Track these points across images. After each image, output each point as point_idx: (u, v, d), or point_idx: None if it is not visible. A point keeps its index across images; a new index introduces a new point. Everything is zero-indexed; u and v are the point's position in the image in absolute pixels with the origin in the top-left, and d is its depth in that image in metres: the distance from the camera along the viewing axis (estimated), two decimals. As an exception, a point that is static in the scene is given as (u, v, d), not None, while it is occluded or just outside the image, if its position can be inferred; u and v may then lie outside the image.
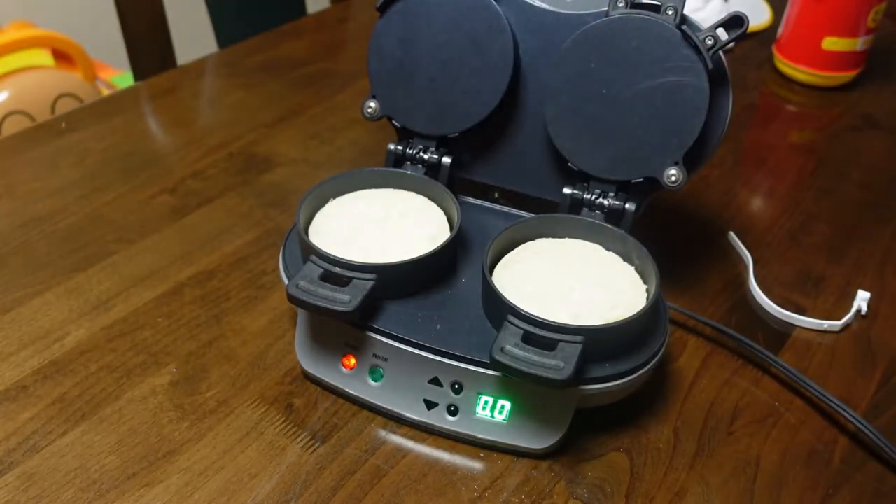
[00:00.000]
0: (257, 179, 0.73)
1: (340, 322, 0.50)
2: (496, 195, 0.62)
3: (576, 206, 0.56)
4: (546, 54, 0.56)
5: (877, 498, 0.48)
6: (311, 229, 0.54)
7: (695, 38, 0.50)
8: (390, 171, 0.59)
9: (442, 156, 0.60)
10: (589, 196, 0.55)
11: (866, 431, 0.50)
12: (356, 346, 0.50)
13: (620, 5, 0.53)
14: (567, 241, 0.54)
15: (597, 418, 0.50)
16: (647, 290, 0.50)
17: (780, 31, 0.94)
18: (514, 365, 0.44)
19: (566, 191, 0.56)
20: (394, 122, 0.61)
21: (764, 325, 0.59)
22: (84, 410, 0.50)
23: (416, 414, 0.49)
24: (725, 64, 0.53)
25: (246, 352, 0.55)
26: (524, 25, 0.57)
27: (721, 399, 0.53)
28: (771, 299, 0.60)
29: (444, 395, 0.49)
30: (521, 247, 0.53)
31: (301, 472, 0.47)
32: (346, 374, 0.51)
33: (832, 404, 0.51)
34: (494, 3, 0.56)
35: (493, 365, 0.45)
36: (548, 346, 0.45)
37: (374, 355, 0.50)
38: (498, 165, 0.60)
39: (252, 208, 0.69)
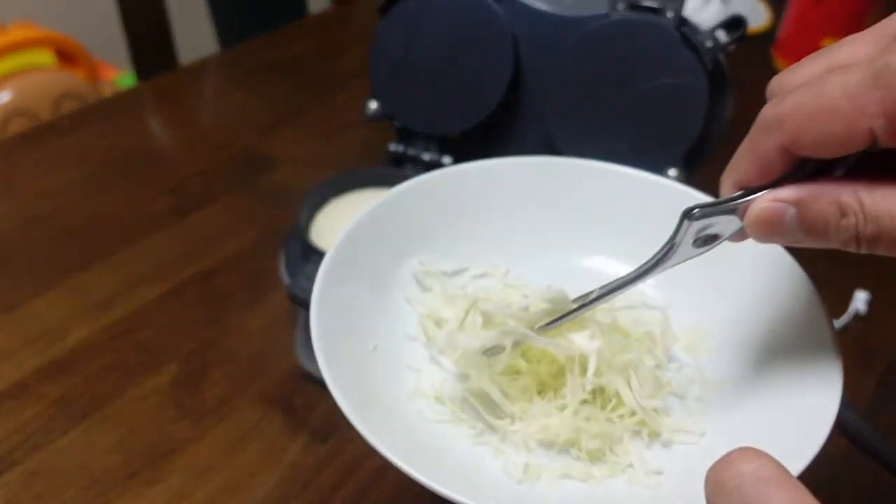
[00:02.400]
0: (258, 179, 0.73)
1: (341, 322, 0.50)
2: (496, 196, 0.62)
3: (575, 206, 0.56)
4: (546, 56, 0.56)
5: (876, 499, 0.48)
6: (313, 229, 0.55)
7: (694, 40, 0.51)
8: (391, 171, 0.59)
9: (442, 156, 0.60)
10: (589, 197, 0.56)
11: (865, 432, 0.50)
12: (356, 346, 0.50)
13: (620, 7, 0.53)
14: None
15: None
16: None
17: (779, 32, 0.94)
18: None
19: (566, 191, 0.56)
20: (394, 122, 0.61)
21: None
22: (85, 409, 0.50)
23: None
24: (725, 65, 0.53)
25: (246, 351, 0.55)
26: (524, 27, 0.57)
27: (720, 399, 0.53)
28: (770, 300, 0.60)
29: (444, 395, 0.49)
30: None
31: (301, 472, 0.47)
32: (346, 374, 0.51)
33: None
34: (495, 4, 0.56)
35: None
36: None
37: (374, 355, 0.50)
38: (498, 166, 0.61)
39: (253, 208, 0.69)
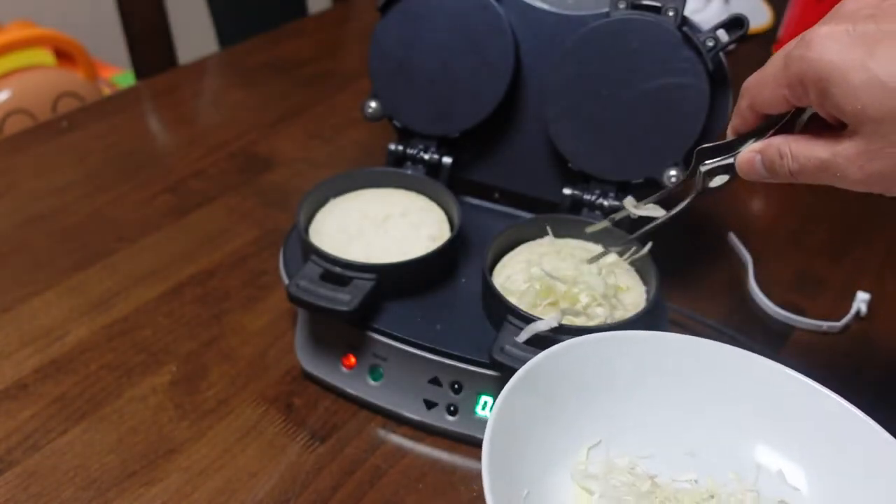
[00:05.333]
0: (258, 179, 0.73)
1: (340, 322, 0.50)
2: (496, 195, 0.62)
3: (576, 206, 0.56)
4: (547, 55, 0.56)
5: (875, 499, 0.48)
6: (312, 229, 0.54)
7: (695, 40, 0.50)
8: (391, 171, 0.59)
9: (442, 156, 0.60)
10: (589, 196, 0.56)
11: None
12: (356, 346, 0.50)
13: (621, 6, 0.53)
14: (567, 241, 0.54)
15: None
16: (647, 291, 0.50)
17: (781, 32, 0.94)
18: (514, 365, 0.44)
19: (566, 191, 0.56)
20: (394, 122, 0.61)
21: (764, 325, 0.59)
22: (84, 409, 0.50)
23: (416, 414, 0.49)
24: (726, 65, 0.53)
25: (246, 351, 0.55)
26: (525, 26, 0.57)
27: (720, 400, 0.53)
28: (771, 300, 0.60)
29: (444, 395, 0.49)
30: (521, 247, 0.53)
31: (301, 472, 0.47)
32: (345, 374, 0.51)
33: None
34: (495, 3, 0.56)
35: (493, 365, 0.45)
36: (549, 347, 0.45)
37: (374, 355, 0.50)
38: (498, 166, 0.61)
39: (252, 208, 0.69)
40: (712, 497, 0.41)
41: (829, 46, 0.34)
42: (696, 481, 0.42)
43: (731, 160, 0.42)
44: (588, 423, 0.43)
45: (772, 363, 0.43)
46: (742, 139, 0.42)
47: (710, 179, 0.43)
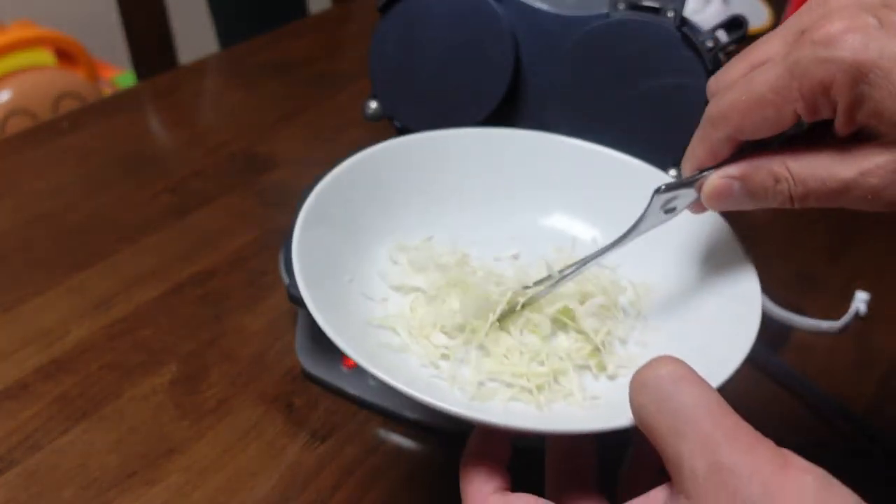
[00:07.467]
0: (258, 179, 0.73)
1: (340, 322, 0.50)
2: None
3: (576, 206, 0.56)
4: (546, 56, 0.56)
5: (876, 500, 0.48)
6: (312, 229, 0.55)
7: (695, 40, 0.51)
8: (391, 171, 0.59)
9: (442, 156, 0.60)
10: (589, 197, 0.56)
11: (865, 433, 0.50)
12: (356, 346, 0.50)
13: (621, 7, 0.53)
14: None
15: (596, 418, 0.50)
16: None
17: (781, 32, 0.94)
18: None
19: (566, 191, 0.56)
20: (394, 122, 0.61)
21: (763, 325, 0.59)
22: (85, 409, 0.50)
23: (416, 413, 0.49)
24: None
25: (246, 351, 0.55)
26: (525, 27, 0.57)
27: (720, 400, 0.53)
28: (770, 300, 0.60)
29: (444, 395, 0.49)
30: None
31: (301, 472, 0.47)
32: (346, 374, 0.51)
33: (831, 405, 0.51)
34: (495, 4, 0.56)
35: (493, 365, 0.45)
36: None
37: (374, 355, 0.50)
38: (498, 166, 0.60)
39: (253, 208, 0.69)
40: (516, 258, 0.45)
41: (861, 42, 0.29)
42: (516, 257, 0.46)
43: (691, 190, 0.37)
44: (407, 224, 0.46)
45: (563, 138, 0.49)
46: (703, 173, 0.36)
47: (666, 210, 0.39)
